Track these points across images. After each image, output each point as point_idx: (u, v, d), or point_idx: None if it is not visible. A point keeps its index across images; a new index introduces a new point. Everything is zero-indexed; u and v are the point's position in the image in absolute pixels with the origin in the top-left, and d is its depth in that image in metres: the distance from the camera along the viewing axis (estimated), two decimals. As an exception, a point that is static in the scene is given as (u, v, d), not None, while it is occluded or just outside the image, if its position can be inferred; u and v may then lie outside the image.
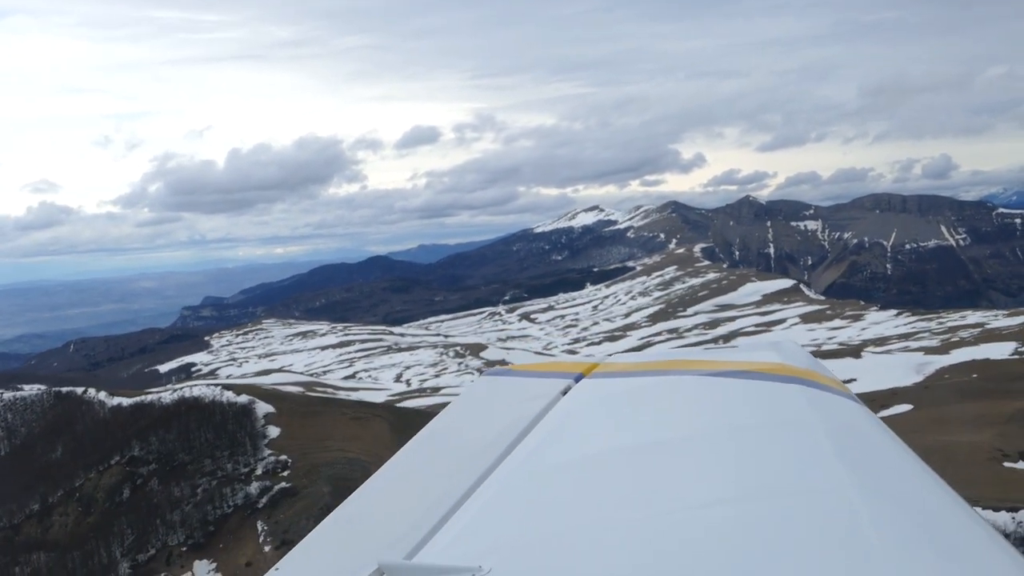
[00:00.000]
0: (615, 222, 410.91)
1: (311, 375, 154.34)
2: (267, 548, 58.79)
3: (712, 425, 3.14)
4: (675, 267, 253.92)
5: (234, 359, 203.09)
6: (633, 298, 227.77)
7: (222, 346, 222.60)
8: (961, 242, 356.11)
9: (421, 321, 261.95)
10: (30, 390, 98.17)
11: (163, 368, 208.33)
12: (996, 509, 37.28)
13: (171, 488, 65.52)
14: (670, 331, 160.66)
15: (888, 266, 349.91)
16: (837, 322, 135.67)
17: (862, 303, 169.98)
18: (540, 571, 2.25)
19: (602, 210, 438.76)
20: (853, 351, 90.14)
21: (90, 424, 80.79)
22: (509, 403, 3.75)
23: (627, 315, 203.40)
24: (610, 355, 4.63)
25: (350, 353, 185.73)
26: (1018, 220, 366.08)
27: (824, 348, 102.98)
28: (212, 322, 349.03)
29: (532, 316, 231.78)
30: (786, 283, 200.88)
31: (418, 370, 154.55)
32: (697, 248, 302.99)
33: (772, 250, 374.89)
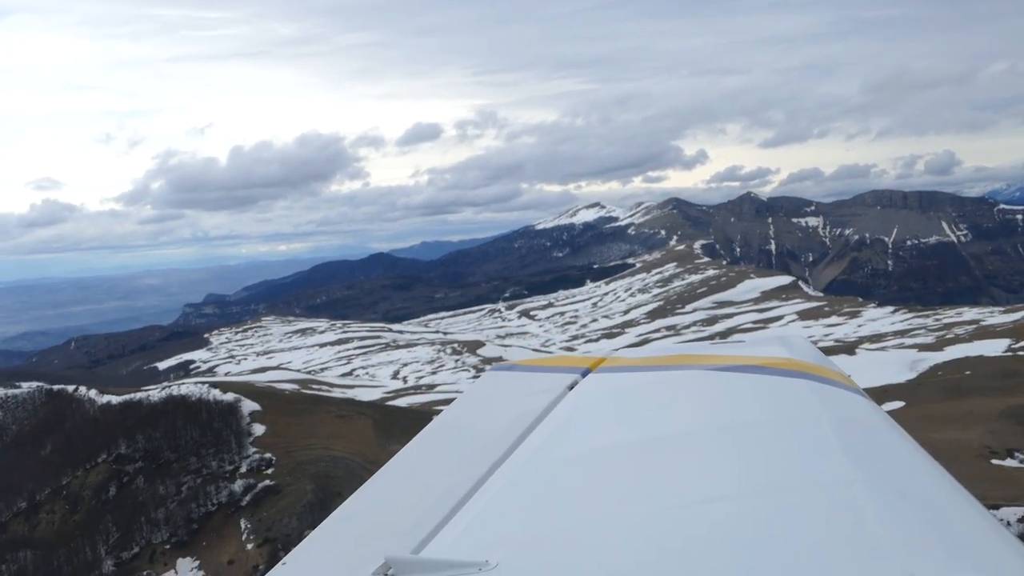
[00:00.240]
0: (616, 219, 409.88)
1: (308, 372, 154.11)
2: (250, 546, 58.59)
3: (719, 420, 3.18)
4: (675, 264, 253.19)
5: (233, 356, 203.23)
6: (632, 295, 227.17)
7: (221, 343, 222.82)
8: (962, 238, 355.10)
9: (421, 318, 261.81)
10: (28, 387, 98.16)
11: (162, 365, 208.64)
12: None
13: (156, 486, 65.35)
14: (668, 328, 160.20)
15: (889, 262, 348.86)
16: (834, 319, 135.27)
17: (860, 300, 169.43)
18: (547, 565, 2.26)
19: (603, 207, 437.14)
20: (848, 348, 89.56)
21: (79, 422, 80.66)
22: (516, 398, 3.81)
23: (626, 312, 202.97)
24: (616, 350, 4.64)
25: (348, 350, 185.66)
26: (1019, 216, 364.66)
27: (820, 345, 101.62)
28: (214, 319, 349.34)
29: (532, 313, 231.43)
30: (785, 280, 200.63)
31: (415, 367, 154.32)
32: (697, 245, 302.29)
33: (773, 246, 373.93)
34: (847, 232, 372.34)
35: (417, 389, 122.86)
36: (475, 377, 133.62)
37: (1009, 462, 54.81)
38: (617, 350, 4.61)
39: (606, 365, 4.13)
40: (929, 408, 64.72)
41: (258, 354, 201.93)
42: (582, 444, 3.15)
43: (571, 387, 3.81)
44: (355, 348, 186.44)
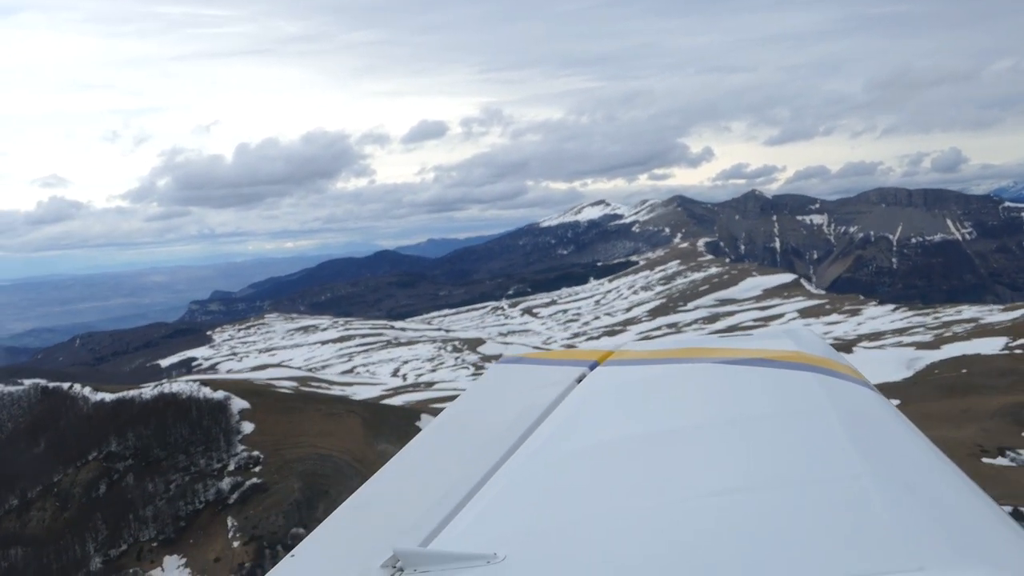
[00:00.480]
0: (621, 216, 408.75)
1: (309, 370, 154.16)
2: (236, 544, 58.49)
3: (728, 413, 3.17)
4: (678, 261, 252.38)
5: (235, 354, 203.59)
6: (635, 292, 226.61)
7: (224, 341, 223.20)
8: (967, 236, 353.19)
9: (425, 315, 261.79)
10: (24, 385, 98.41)
11: (164, 363, 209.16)
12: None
13: (146, 484, 65.34)
14: (670, 325, 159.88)
15: (894, 260, 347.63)
16: (835, 316, 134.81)
17: (861, 297, 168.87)
18: (555, 558, 2.25)
19: (608, 204, 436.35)
20: (846, 346, 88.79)
21: (73, 420, 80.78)
22: (524, 391, 3.77)
23: (628, 309, 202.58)
24: (623, 344, 4.59)
25: (350, 348, 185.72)
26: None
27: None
28: (219, 316, 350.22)
29: (534, 310, 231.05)
30: (787, 277, 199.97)
31: (415, 365, 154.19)
32: (701, 242, 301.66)
33: (778, 244, 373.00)
34: (852, 230, 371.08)
35: (416, 387, 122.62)
36: (474, 375, 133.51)
37: (1000, 460, 54.22)
38: (624, 344, 4.52)
39: (614, 358, 4.11)
40: (925, 406, 64.09)
41: (260, 351, 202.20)
42: (590, 437, 3.14)
43: (579, 380, 3.79)
44: (357, 345, 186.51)
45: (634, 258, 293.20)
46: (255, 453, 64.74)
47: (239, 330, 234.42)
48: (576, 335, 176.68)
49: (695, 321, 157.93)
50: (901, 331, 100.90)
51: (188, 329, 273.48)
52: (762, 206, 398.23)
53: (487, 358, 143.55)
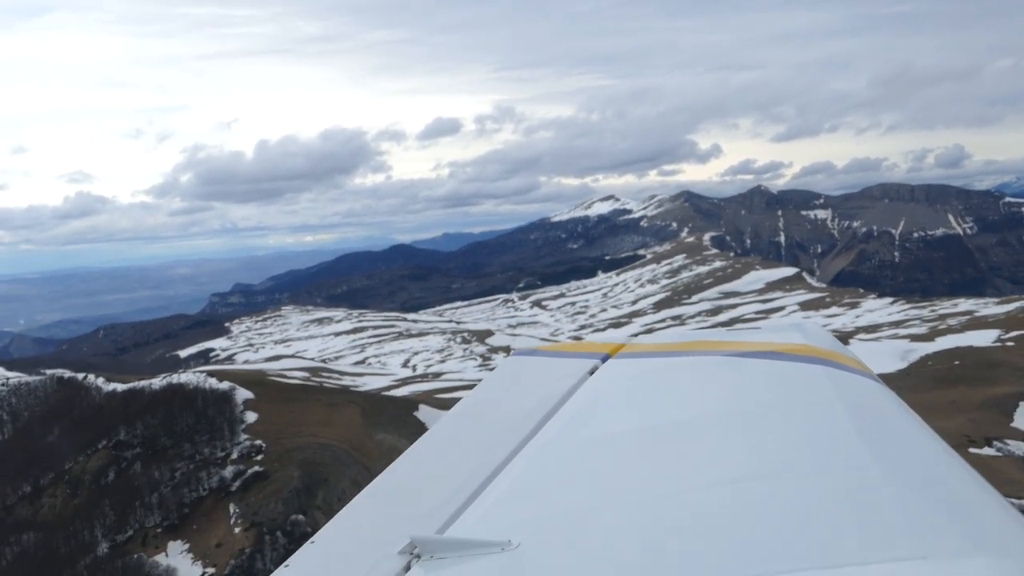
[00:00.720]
0: (630, 211, 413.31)
1: (321, 361, 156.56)
2: (237, 530, 60.44)
3: (736, 405, 3.24)
4: (684, 255, 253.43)
5: (251, 345, 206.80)
6: (642, 286, 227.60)
7: (241, 332, 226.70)
8: (968, 231, 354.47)
9: (437, 308, 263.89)
10: (44, 375, 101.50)
11: (183, 353, 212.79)
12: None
13: (152, 471, 67.49)
14: (674, 318, 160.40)
15: (896, 254, 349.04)
16: (834, 309, 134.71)
17: (861, 291, 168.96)
18: (568, 546, 2.29)
19: (617, 200, 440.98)
20: (843, 338, 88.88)
21: (85, 409, 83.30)
22: (538, 382, 3.89)
23: (634, 302, 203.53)
24: (634, 335, 4.81)
25: (362, 339, 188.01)
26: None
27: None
28: (239, 308, 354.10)
29: (543, 303, 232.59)
30: (789, 271, 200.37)
31: (425, 356, 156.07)
32: (706, 237, 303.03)
33: (783, 239, 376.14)
34: (855, 224, 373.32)
35: (423, 377, 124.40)
36: (481, 366, 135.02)
37: (986, 451, 54.79)
38: (637, 335, 4.82)
39: (626, 351, 4.22)
40: (917, 397, 64.50)
41: (276, 342, 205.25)
42: (603, 428, 3.23)
43: (591, 372, 3.90)
44: (369, 337, 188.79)
45: (641, 252, 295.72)
46: (257, 442, 66.63)
47: (256, 322, 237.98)
48: (583, 327, 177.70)
49: (698, 314, 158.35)
50: (898, 324, 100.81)
51: (208, 321, 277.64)
52: (767, 201, 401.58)
53: (495, 349, 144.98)
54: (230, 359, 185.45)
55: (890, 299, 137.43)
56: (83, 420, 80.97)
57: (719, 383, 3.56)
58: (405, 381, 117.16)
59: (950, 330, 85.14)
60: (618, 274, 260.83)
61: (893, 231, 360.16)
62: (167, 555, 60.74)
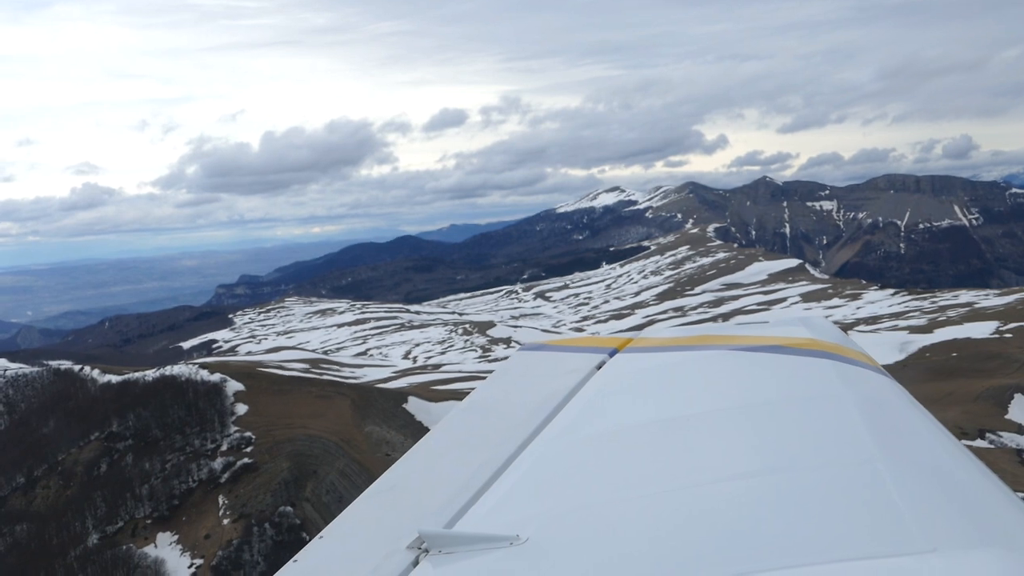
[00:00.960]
0: (635, 202, 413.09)
1: (323, 352, 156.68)
2: (226, 521, 60.38)
3: (743, 399, 3.23)
4: (688, 246, 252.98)
5: (254, 336, 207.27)
6: (645, 277, 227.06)
7: (244, 323, 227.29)
8: (974, 222, 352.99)
9: (441, 299, 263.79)
10: (46, 366, 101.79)
11: (186, 345, 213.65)
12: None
13: (143, 463, 67.53)
14: (676, 309, 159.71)
15: (901, 245, 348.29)
16: (836, 301, 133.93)
17: (863, 282, 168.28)
18: (576, 540, 2.31)
19: (623, 191, 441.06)
20: (843, 330, 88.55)
21: (80, 401, 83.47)
22: (545, 377, 3.91)
23: (637, 294, 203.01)
24: (641, 329, 4.78)
25: (365, 330, 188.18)
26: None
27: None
28: (245, 300, 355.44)
29: (547, 294, 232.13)
30: (792, 263, 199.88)
31: (426, 347, 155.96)
32: (710, 228, 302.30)
33: (788, 230, 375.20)
34: (860, 215, 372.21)
35: (423, 369, 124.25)
36: (481, 357, 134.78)
37: (979, 443, 54.20)
38: (639, 327, 4.91)
39: (633, 345, 4.24)
40: (913, 389, 63.04)
41: (278, 334, 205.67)
42: (611, 422, 3.24)
43: (599, 367, 3.92)
44: (371, 328, 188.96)
45: (646, 243, 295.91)
46: (247, 434, 66.51)
47: (259, 313, 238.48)
48: (585, 319, 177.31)
49: (701, 305, 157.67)
50: (898, 315, 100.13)
51: (212, 312, 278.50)
52: (773, 192, 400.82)
53: (495, 341, 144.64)
54: (233, 350, 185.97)
55: (891, 290, 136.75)
56: (78, 412, 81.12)
57: (727, 378, 3.58)
58: (404, 373, 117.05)
59: (949, 322, 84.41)
60: (622, 265, 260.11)
61: (899, 222, 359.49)
62: (156, 546, 60.74)
